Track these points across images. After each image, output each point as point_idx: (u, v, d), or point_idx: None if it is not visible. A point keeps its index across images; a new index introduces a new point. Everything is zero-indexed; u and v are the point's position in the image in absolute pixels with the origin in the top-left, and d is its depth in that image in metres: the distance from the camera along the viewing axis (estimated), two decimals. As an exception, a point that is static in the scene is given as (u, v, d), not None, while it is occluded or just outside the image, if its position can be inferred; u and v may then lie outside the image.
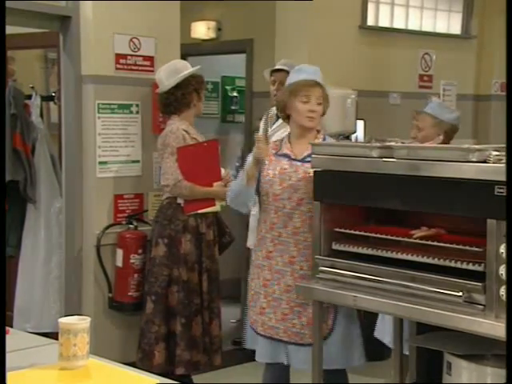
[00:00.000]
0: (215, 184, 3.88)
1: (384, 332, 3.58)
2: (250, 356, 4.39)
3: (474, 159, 2.36)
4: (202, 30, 5.96)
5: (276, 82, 4.71)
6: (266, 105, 4.93)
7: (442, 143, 3.49)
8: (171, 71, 3.94)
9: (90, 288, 4.17)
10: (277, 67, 4.74)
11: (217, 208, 3.91)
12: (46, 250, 4.39)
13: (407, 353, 3.13)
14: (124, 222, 4.18)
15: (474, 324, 2.33)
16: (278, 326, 3.04)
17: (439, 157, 2.52)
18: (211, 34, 5.94)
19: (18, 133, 4.27)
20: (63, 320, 1.75)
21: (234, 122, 6.74)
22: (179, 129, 3.87)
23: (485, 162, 2.34)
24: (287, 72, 4.68)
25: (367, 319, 3.52)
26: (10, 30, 4.58)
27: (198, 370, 3.96)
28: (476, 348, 2.45)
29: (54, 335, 4.01)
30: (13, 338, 2.04)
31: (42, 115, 4.49)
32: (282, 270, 3.03)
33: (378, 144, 2.73)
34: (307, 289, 2.91)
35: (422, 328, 2.89)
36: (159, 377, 1.87)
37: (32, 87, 4.52)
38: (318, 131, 3.16)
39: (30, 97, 4.46)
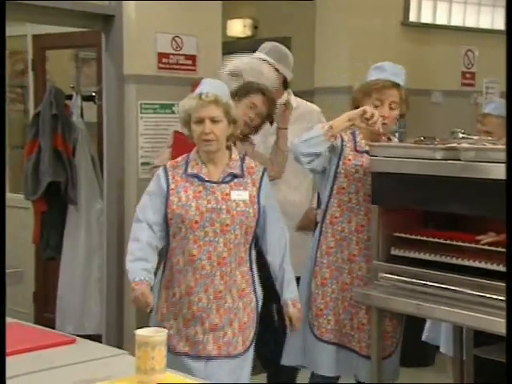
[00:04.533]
0: None
1: (438, 337, 3.47)
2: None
3: (549, 162, 2.27)
4: (238, 27, 5.89)
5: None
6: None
7: None
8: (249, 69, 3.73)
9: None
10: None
11: None
12: (86, 251, 4.34)
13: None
14: (166, 224, 4.12)
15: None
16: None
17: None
18: (247, 32, 5.87)
19: (59, 133, 4.22)
20: (140, 332, 1.68)
21: (268, 121, 6.64)
22: None
23: (560, 165, 2.25)
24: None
25: (413, 323, 3.41)
26: (45, 29, 4.57)
27: None
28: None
29: (95, 337, 4.04)
30: (80, 347, 1.98)
31: (82, 115, 4.44)
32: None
33: (441, 145, 2.65)
34: (366, 295, 2.83)
35: (481, 337, 2.80)
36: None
37: (72, 87, 4.48)
38: (389, 138, 3.03)
39: (70, 97, 4.41)
